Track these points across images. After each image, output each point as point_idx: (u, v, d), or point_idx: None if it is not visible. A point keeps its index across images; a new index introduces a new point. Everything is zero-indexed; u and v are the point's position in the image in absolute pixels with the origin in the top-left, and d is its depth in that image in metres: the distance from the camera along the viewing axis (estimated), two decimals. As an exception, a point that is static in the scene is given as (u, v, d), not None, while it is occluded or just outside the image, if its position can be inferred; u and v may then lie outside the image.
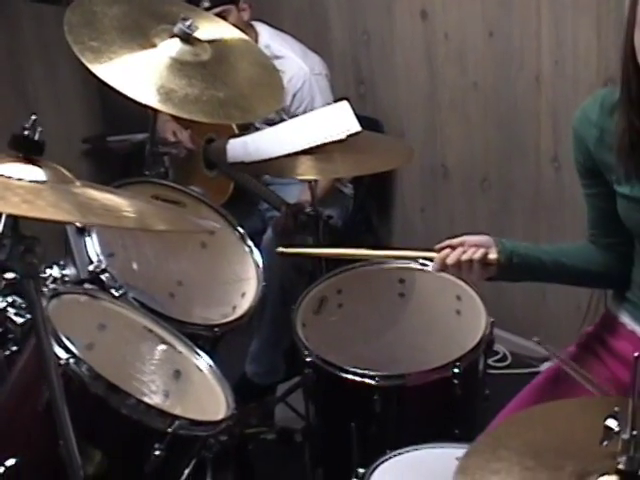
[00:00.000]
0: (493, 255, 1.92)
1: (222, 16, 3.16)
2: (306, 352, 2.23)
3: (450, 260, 1.91)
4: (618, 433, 1.29)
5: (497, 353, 3.55)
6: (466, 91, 3.44)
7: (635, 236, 1.97)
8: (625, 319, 2.04)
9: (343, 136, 2.60)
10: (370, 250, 2.11)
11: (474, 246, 1.93)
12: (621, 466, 1.30)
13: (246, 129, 3.13)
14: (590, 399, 1.77)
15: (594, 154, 1.93)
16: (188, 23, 2.34)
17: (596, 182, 1.98)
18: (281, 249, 2.08)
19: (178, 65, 2.29)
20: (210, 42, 2.42)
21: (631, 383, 1.28)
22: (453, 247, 1.94)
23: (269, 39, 3.45)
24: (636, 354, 1.25)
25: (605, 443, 1.31)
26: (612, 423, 1.30)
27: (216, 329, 2.31)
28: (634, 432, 1.28)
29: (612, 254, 2.05)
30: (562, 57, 3.10)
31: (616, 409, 1.31)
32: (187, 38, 2.35)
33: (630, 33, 1.73)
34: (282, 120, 3.14)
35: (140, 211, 1.51)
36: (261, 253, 3.05)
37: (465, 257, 1.91)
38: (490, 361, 3.42)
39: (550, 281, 2.13)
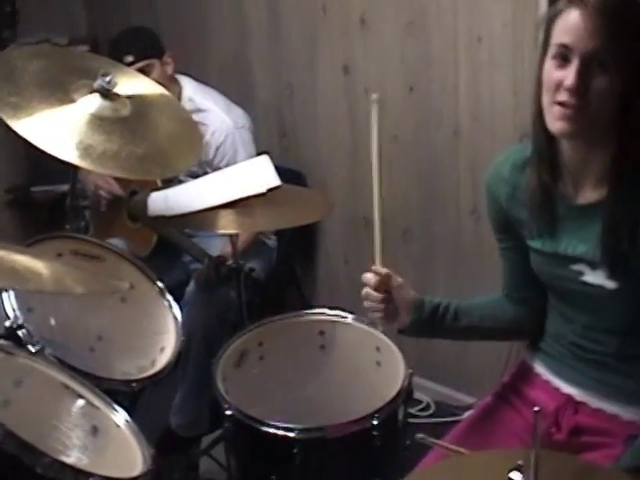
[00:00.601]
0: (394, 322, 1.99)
1: (145, 70, 3.19)
2: (226, 406, 2.23)
3: (368, 282, 1.99)
4: (522, 485, 1.32)
5: (420, 402, 3.57)
6: (387, 144, 3.48)
7: (548, 289, 2.02)
8: (540, 369, 2.09)
9: (263, 190, 2.63)
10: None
11: (389, 293, 1.99)
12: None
13: (170, 182, 3.14)
14: (498, 452, 1.79)
15: (507, 210, 1.99)
16: (108, 79, 2.34)
17: (510, 237, 2.03)
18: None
19: (97, 121, 2.28)
20: (130, 97, 2.41)
21: (533, 436, 1.31)
22: (379, 275, 1.99)
23: (193, 92, 3.47)
24: (536, 408, 1.28)
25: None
26: (516, 476, 1.33)
27: (134, 384, 2.30)
28: (537, 484, 1.31)
29: (525, 307, 2.11)
30: (480, 112, 3.17)
31: (519, 462, 1.33)
32: (107, 94, 2.34)
33: (538, 93, 1.79)
34: (205, 173, 3.17)
35: (53, 272, 1.50)
36: (184, 305, 3.07)
37: (369, 308, 2.00)
38: (414, 410, 3.47)
39: (461, 340, 2.18)
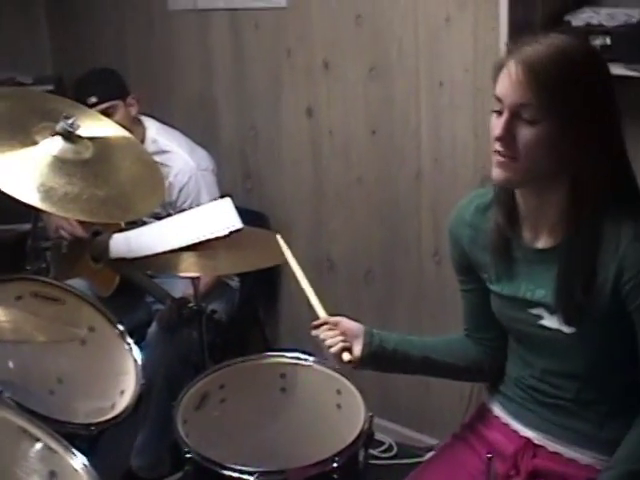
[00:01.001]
0: (351, 355, 2.02)
1: (109, 111, 3.20)
2: (186, 449, 2.22)
3: (320, 334, 2.03)
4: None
5: (383, 443, 3.57)
6: (350, 186, 3.52)
7: (508, 331, 2.04)
8: (499, 412, 2.10)
9: (225, 233, 2.64)
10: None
11: (343, 333, 2.02)
12: None
13: (133, 223, 3.14)
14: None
15: (468, 253, 2.02)
16: (70, 121, 2.34)
17: (471, 279, 2.06)
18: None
19: (59, 163, 2.27)
20: (92, 140, 2.41)
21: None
22: (329, 324, 2.03)
23: (156, 134, 3.48)
24: (489, 455, 1.30)
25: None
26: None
27: (93, 428, 2.28)
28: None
29: (485, 349, 2.13)
30: (441, 155, 3.21)
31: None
32: (69, 136, 2.34)
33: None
34: (169, 214, 3.17)
35: (12, 320, 1.50)
36: (146, 346, 3.06)
37: (327, 342, 2.01)
38: (376, 451, 3.46)
39: (419, 374, 2.20)
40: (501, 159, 1.77)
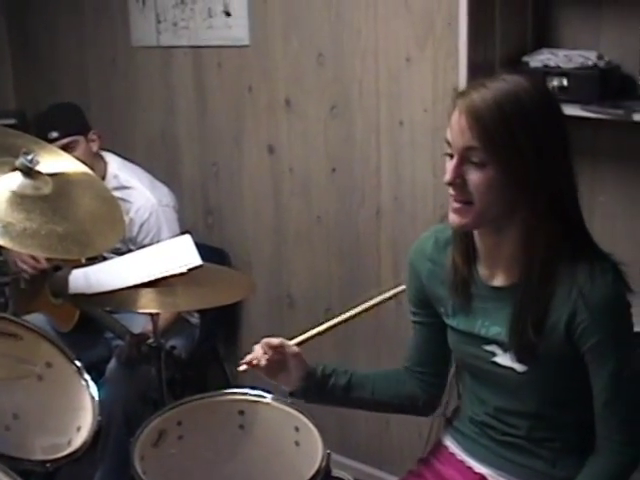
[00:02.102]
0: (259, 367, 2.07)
1: (70, 147, 3.20)
2: (143, 486, 2.21)
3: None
4: None
5: (342, 481, 3.56)
6: (310, 224, 3.54)
7: (463, 367, 2.06)
8: (454, 448, 2.12)
9: (184, 269, 2.64)
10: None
11: (282, 359, 2.07)
12: None
13: (94, 259, 3.13)
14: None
15: (426, 286, 2.03)
16: (30, 157, 2.32)
17: (426, 312, 2.08)
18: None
19: (18, 199, 2.25)
20: (52, 175, 2.40)
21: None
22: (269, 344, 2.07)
23: (117, 169, 3.48)
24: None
25: None
26: None
27: (49, 464, 2.26)
28: None
29: (422, 384, 2.16)
30: (401, 193, 3.24)
31: None
32: (28, 172, 2.32)
33: None
34: (129, 250, 3.17)
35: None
36: (105, 382, 3.04)
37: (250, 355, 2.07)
38: (336, 489, 3.45)
39: (354, 408, 2.22)
40: (456, 205, 1.78)
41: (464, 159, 1.74)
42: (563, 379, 1.86)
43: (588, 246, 1.83)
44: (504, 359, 1.88)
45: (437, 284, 2.00)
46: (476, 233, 1.88)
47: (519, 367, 1.86)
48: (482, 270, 1.92)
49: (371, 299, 2.21)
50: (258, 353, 2.06)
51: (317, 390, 2.08)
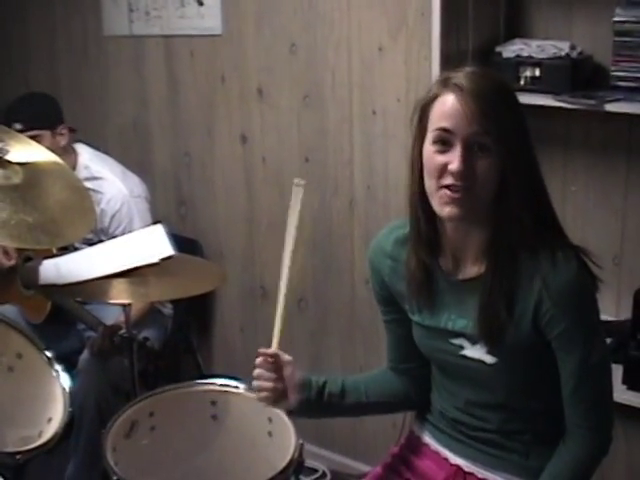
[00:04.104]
0: (281, 403, 1.99)
1: (35, 140, 3.16)
2: (115, 477, 2.20)
3: (258, 368, 1.96)
4: None
5: (316, 471, 3.57)
6: (283, 214, 3.48)
7: (431, 362, 2.05)
8: (429, 440, 2.11)
9: (156, 260, 2.62)
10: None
11: (279, 377, 1.96)
12: None
13: (65, 249, 3.11)
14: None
15: (388, 284, 2.01)
16: (-1, 146, 2.33)
17: (393, 309, 2.05)
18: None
19: (-13, 188, 2.26)
20: (22, 165, 2.39)
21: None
22: (267, 355, 1.96)
23: (89, 160, 3.46)
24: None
25: None
26: None
27: (18, 456, 2.25)
28: None
29: (410, 378, 2.13)
30: (374, 183, 3.24)
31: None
32: (-2, 161, 2.33)
33: (414, 177, 1.81)
34: (101, 241, 3.14)
35: None
36: (78, 373, 3.02)
37: (256, 382, 1.97)
38: (309, 479, 3.46)
39: (351, 417, 2.20)
40: (454, 194, 1.72)
41: (470, 146, 1.70)
42: (532, 368, 1.86)
43: (553, 235, 1.83)
44: (473, 352, 1.88)
45: (399, 281, 1.97)
46: (448, 227, 1.84)
47: (488, 359, 1.85)
48: (445, 264, 1.89)
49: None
50: (270, 378, 1.97)
51: (316, 401, 2.01)
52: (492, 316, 1.80)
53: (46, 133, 3.31)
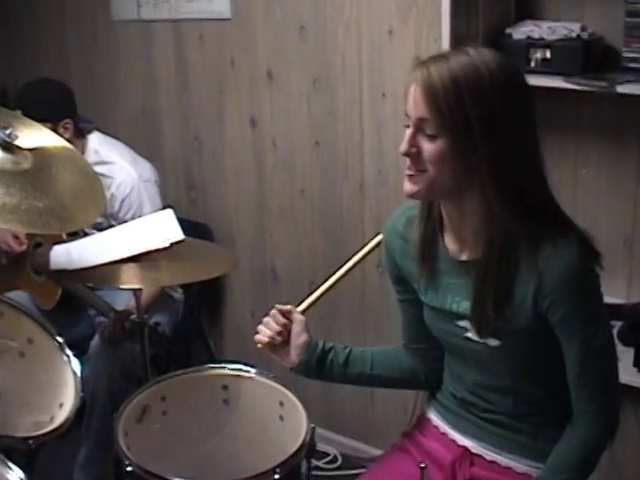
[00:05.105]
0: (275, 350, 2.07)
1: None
2: (127, 462, 2.20)
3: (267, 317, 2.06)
4: None
5: (327, 455, 3.58)
6: (294, 198, 3.52)
7: (442, 342, 2.06)
8: (437, 422, 2.13)
9: (167, 244, 2.63)
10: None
11: (287, 332, 2.07)
12: None
13: (75, 235, 3.11)
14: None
15: (400, 263, 2.03)
16: (8, 131, 2.29)
17: (405, 289, 2.08)
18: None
19: (-3, 174, 2.25)
20: (32, 150, 2.38)
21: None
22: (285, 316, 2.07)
23: (98, 145, 3.45)
24: (422, 464, 1.30)
25: None
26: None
27: (31, 441, 2.25)
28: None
29: (421, 359, 2.16)
30: (384, 167, 3.23)
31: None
32: (7, 146, 2.30)
33: None
34: (111, 226, 3.15)
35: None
36: (89, 359, 3.03)
37: (260, 326, 2.07)
38: (320, 463, 3.47)
39: (354, 385, 2.22)
40: (409, 172, 1.79)
41: (418, 129, 1.74)
42: (536, 352, 1.87)
43: (555, 221, 1.82)
44: (476, 334, 1.88)
45: (409, 261, 2.00)
46: (443, 207, 1.87)
47: (492, 341, 1.86)
48: (450, 244, 1.91)
49: (354, 255, 2.19)
50: (273, 328, 2.05)
51: (317, 364, 2.08)
52: (483, 301, 1.81)
53: (46, 126, 3.28)
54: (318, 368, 2.09)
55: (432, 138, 1.72)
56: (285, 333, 2.06)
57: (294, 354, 2.07)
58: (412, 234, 1.96)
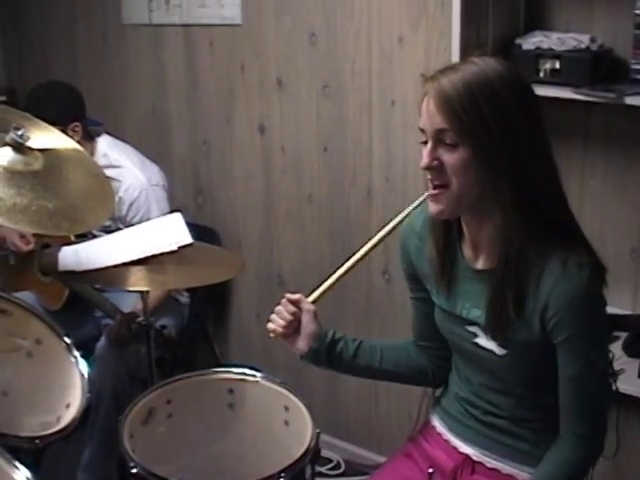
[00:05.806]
0: (280, 335, 2.05)
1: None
2: (132, 464, 2.21)
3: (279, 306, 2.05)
4: None
5: (331, 461, 3.58)
6: (301, 203, 3.53)
7: (450, 343, 2.07)
8: (441, 428, 2.14)
9: (174, 247, 2.64)
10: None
11: (297, 320, 2.05)
12: None
13: (83, 236, 3.12)
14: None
15: (414, 262, 2.05)
16: (20, 132, 2.31)
17: (418, 288, 2.09)
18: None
19: (8, 174, 2.24)
20: (43, 151, 2.39)
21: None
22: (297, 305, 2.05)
23: (107, 148, 3.46)
24: (430, 470, 1.31)
25: None
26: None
27: (37, 441, 2.26)
28: None
29: (429, 357, 2.17)
30: (392, 173, 3.24)
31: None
32: (19, 147, 2.31)
33: None
34: (119, 229, 3.16)
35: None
36: (95, 360, 3.03)
37: (273, 315, 2.05)
38: (323, 469, 3.47)
39: (361, 377, 2.23)
40: (434, 191, 1.78)
41: (438, 142, 1.74)
42: (542, 365, 1.87)
43: (571, 238, 1.82)
44: (485, 341, 1.90)
45: (423, 261, 2.01)
46: (461, 215, 1.87)
47: (499, 350, 1.88)
48: (467, 252, 1.92)
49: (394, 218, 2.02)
50: (285, 317, 2.04)
51: (326, 353, 2.08)
52: (498, 311, 1.82)
53: (55, 128, 3.28)
54: (327, 357, 2.09)
55: (452, 148, 1.72)
56: (295, 322, 2.05)
57: (304, 343, 2.06)
58: (429, 235, 1.97)
